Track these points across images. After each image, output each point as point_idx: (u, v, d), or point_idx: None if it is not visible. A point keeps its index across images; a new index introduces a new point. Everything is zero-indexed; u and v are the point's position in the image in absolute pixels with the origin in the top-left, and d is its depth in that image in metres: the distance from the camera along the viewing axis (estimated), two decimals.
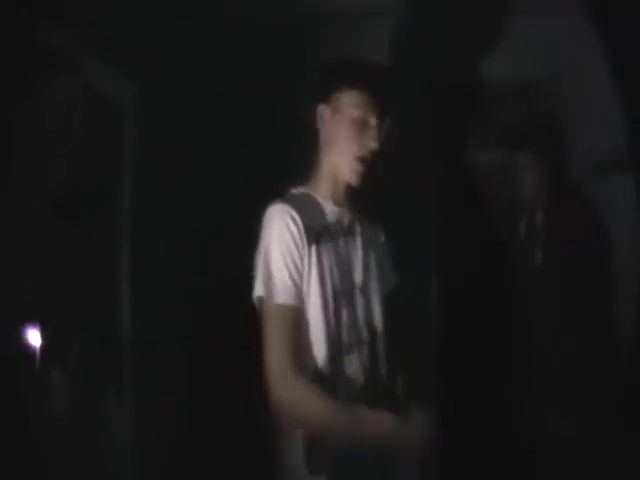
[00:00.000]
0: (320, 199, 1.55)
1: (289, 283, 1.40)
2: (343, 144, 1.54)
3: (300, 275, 1.42)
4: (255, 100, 2.16)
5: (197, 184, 1.93)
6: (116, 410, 1.58)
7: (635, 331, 1.82)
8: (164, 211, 1.81)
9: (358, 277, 1.53)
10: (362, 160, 1.53)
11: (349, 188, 1.57)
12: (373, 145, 1.52)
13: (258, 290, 1.44)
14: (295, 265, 1.42)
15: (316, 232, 1.47)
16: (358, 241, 1.57)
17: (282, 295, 1.40)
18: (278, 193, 1.55)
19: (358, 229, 1.58)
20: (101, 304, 1.61)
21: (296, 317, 1.41)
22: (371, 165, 1.54)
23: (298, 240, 1.43)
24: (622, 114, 1.85)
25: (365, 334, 1.51)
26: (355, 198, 1.61)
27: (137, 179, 1.76)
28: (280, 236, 1.43)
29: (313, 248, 1.45)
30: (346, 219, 1.57)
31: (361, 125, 1.52)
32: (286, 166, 1.75)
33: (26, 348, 1.32)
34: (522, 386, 1.96)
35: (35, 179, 1.41)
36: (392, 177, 2.06)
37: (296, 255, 1.42)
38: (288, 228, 1.43)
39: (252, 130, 2.14)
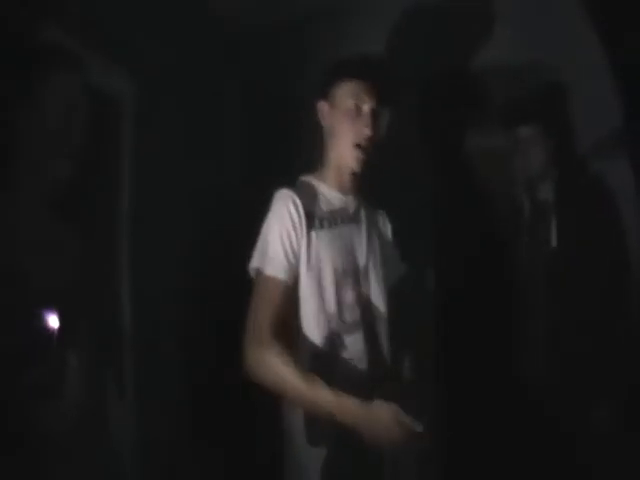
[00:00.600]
0: (327, 187, 1.65)
1: (282, 258, 1.50)
2: (342, 133, 1.63)
3: (295, 255, 1.52)
4: (259, 97, 2.18)
5: (198, 182, 1.95)
6: (117, 409, 1.58)
7: None
8: (164, 209, 1.83)
9: (362, 261, 1.61)
10: (360, 147, 1.61)
11: (354, 176, 1.66)
12: (367, 132, 1.60)
13: (254, 262, 1.54)
14: (291, 244, 1.52)
15: (319, 217, 1.58)
16: (363, 227, 1.66)
17: (273, 268, 1.50)
18: (287, 182, 1.62)
19: (363, 216, 1.68)
20: (102, 303, 1.62)
21: (284, 291, 1.50)
22: (371, 151, 1.62)
23: (297, 223, 1.53)
24: (620, 98, 1.91)
25: (368, 315, 1.58)
26: (361, 186, 1.69)
27: (137, 177, 1.77)
28: (280, 216, 1.54)
29: (314, 232, 1.55)
30: (351, 206, 1.67)
31: (355, 114, 1.61)
32: (293, 160, 1.80)
33: (26, 345, 1.31)
34: (524, 374, 1.97)
35: (36, 179, 1.40)
36: (397, 165, 2.10)
37: (293, 236, 1.52)
38: (289, 210, 1.54)
39: (258, 126, 2.15)
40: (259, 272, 1.52)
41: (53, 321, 1.30)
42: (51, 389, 1.35)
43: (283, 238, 1.51)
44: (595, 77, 2.05)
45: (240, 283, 1.55)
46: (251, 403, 1.53)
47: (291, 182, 1.65)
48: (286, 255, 1.50)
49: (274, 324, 1.45)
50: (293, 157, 1.77)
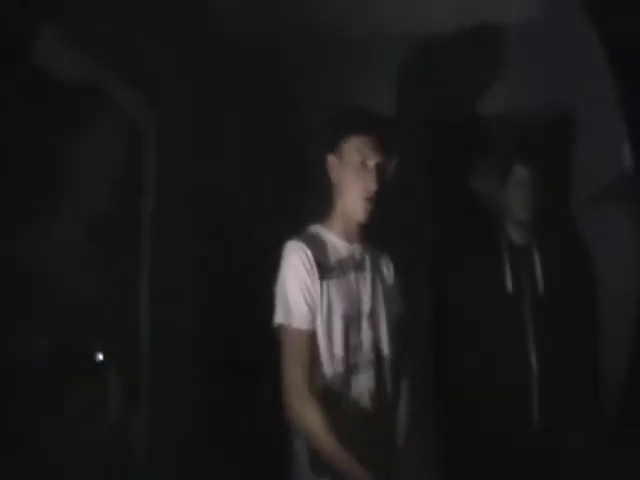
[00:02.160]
0: (334, 237, 1.75)
1: (305, 309, 1.62)
2: (349, 187, 1.73)
3: (314, 304, 1.63)
4: (273, 119, 2.27)
5: (221, 215, 2.05)
6: (132, 416, 1.69)
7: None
8: (183, 229, 1.93)
9: (366, 307, 1.72)
10: (367, 200, 1.70)
11: (360, 226, 1.76)
12: (372, 187, 1.69)
13: (278, 317, 1.65)
14: (310, 294, 1.63)
15: (328, 267, 1.68)
16: (367, 275, 1.76)
17: (298, 320, 1.62)
18: (297, 230, 1.74)
19: (368, 264, 1.77)
20: (124, 316, 1.73)
21: (310, 339, 1.62)
22: (377, 203, 1.70)
23: (310, 274, 1.64)
24: (621, 148, 1.88)
25: (371, 357, 1.69)
26: (366, 235, 1.78)
27: (158, 204, 1.87)
28: (295, 269, 1.64)
29: (324, 282, 1.65)
30: (357, 254, 1.76)
31: (361, 169, 1.70)
32: (306, 206, 1.90)
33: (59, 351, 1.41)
34: (525, 410, 2.03)
35: (78, 210, 1.52)
36: (398, 208, 2.19)
37: (310, 285, 1.63)
38: (302, 263, 1.64)
39: (276, 171, 2.26)
40: (285, 327, 1.62)
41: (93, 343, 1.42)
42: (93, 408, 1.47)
43: (302, 289, 1.62)
44: (597, 126, 2.11)
45: (257, 301, 1.70)
46: (263, 410, 1.65)
47: (309, 222, 1.76)
48: (308, 305, 1.61)
49: (307, 373, 1.59)
50: (313, 199, 1.84)
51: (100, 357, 1.43)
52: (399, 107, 2.41)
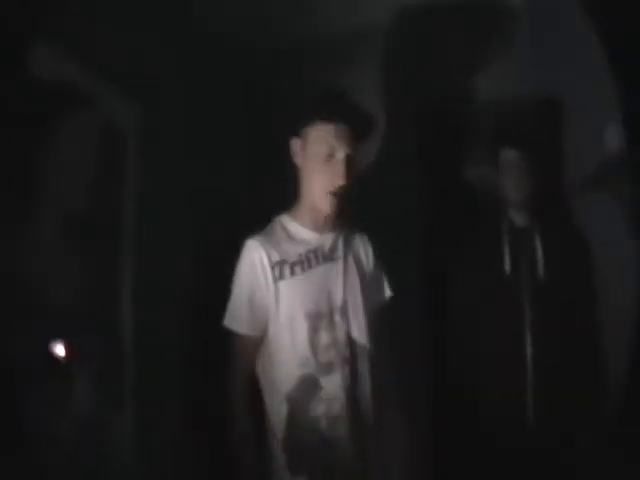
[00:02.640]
0: (302, 227, 1.67)
1: (245, 314, 1.60)
2: (315, 178, 1.62)
3: (261, 309, 1.60)
4: (265, 117, 2.22)
5: (199, 206, 2.03)
6: (117, 417, 1.69)
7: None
8: (166, 230, 1.91)
9: (337, 300, 1.63)
10: (333, 194, 1.60)
11: (328, 216, 1.66)
12: (340, 182, 1.58)
13: (225, 320, 1.65)
14: (258, 299, 1.60)
15: (291, 264, 1.61)
16: (339, 265, 1.66)
17: (238, 325, 1.61)
18: (265, 220, 1.69)
19: (340, 252, 1.68)
20: (106, 315, 1.72)
21: (249, 345, 1.62)
22: (345, 195, 1.62)
23: (262, 278, 1.60)
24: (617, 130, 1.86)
25: (347, 353, 1.61)
26: (339, 222, 1.69)
27: (142, 202, 1.85)
28: (245, 272, 1.62)
29: (285, 281, 1.60)
30: (327, 244, 1.67)
31: (327, 160, 1.58)
32: (278, 190, 1.81)
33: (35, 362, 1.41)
34: (514, 410, 1.97)
35: (53, 211, 1.50)
36: (379, 194, 2.15)
37: (257, 291, 1.60)
38: (254, 265, 1.60)
39: (251, 156, 2.22)
40: (228, 329, 1.64)
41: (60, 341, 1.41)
42: (60, 404, 1.45)
43: (249, 294, 1.60)
44: (590, 107, 2.07)
45: None
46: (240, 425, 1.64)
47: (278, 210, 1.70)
48: (251, 311, 1.59)
49: (243, 379, 1.61)
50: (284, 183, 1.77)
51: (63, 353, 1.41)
52: (384, 94, 2.35)
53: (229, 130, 2.27)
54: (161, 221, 1.88)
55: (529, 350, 1.99)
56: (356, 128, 1.61)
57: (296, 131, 1.64)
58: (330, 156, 1.58)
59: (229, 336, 1.64)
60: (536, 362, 1.98)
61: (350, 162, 1.60)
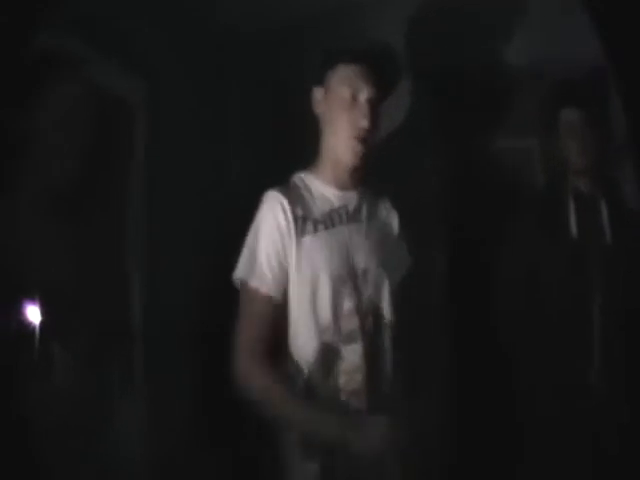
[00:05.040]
0: (323, 184, 1.54)
1: (267, 270, 1.43)
2: (337, 125, 1.51)
3: (282, 266, 1.44)
4: (266, 94, 2.15)
5: (208, 179, 1.95)
6: (125, 402, 1.61)
7: None
8: (177, 205, 1.85)
9: (362, 264, 1.49)
10: (357, 139, 1.48)
11: (353, 171, 1.54)
12: (363, 124, 1.47)
13: (238, 271, 1.47)
14: (277, 255, 1.44)
15: (313, 220, 1.47)
16: (363, 226, 1.53)
17: (260, 280, 1.43)
18: (284, 179, 1.55)
19: (364, 214, 1.55)
20: (112, 295, 1.65)
21: (271, 305, 1.43)
22: (370, 143, 1.50)
23: (284, 231, 1.44)
24: None
25: (369, 323, 1.46)
26: (361, 180, 1.57)
27: (149, 173, 1.80)
28: (267, 224, 1.46)
29: (306, 238, 1.45)
30: (351, 203, 1.54)
31: (351, 103, 1.49)
32: (296, 153, 1.69)
33: (31, 337, 1.35)
34: (581, 379, 1.79)
35: (39, 178, 1.45)
36: (405, 158, 2.00)
37: (280, 246, 1.44)
38: (275, 217, 1.45)
39: (262, 122, 2.13)
40: (244, 283, 1.45)
41: (34, 312, 1.34)
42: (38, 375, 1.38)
43: (269, 248, 1.43)
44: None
45: None
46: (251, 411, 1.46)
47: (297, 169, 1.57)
48: (271, 267, 1.43)
49: (264, 340, 1.41)
50: (302, 144, 1.65)
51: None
52: (415, 56, 2.15)
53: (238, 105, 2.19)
54: (170, 196, 1.82)
55: (598, 317, 1.82)
56: (381, 70, 1.52)
57: (318, 79, 1.55)
58: (353, 98, 1.49)
59: (240, 292, 1.46)
60: (605, 328, 1.81)
61: (374, 105, 1.50)
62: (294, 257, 1.43)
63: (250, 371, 1.39)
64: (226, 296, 1.54)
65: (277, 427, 1.46)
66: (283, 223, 1.44)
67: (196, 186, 1.96)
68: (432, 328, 1.76)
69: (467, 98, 2.14)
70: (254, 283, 1.43)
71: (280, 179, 1.58)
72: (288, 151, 1.93)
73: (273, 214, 1.45)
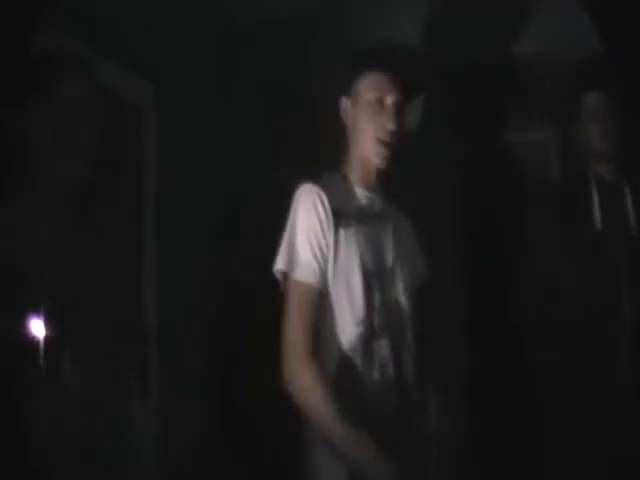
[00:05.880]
0: (352, 184, 1.59)
1: (311, 261, 1.44)
2: (364, 128, 1.56)
3: (324, 256, 1.45)
4: (277, 96, 2.14)
5: (222, 179, 1.94)
6: (140, 402, 1.60)
7: None
8: (189, 205, 1.84)
9: (389, 262, 1.54)
10: (383, 142, 1.54)
11: (379, 173, 1.58)
12: (390, 126, 1.53)
13: (279, 264, 1.47)
14: (319, 245, 1.45)
15: (347, 215, 1.50)
16: (389, 227, 1.58)
17: (304, 273, 1.43)
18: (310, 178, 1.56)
19: (388, 216, 1.61)
20: (126, 296, 1.64)
21: (315, 296, 1.44)
22: (395, 146, 1.55)
23: (324, 221, 1.46)
24: None
25: (395, 318, 1.50)
26: (387, 183, 1.61)
27: (160, 173, 1.79)
28: (307, 215, 1.47)
29: (342, 231, 1.48)
30: (377, 204, 1.60)
31: (377, 108, 1.55)
32: (317, 158, 1.74)
33: (44, 340, 1.34)
34: (610, 371, 1.73)
35: (50, 179, 1.44)
36: (424, 162, 1.99)
37: (321, 236, 1.45)
38: (316, 208, 1.47)
39: (279, 124, 2.12)
40: (287, 276, 1.47)
41: (44, 315, 1.33)
42: (71, 384, 1.37)
43: (311, 238, 1.44)
44: None
45: (267, 280, 1.52)
46: (277, 396, 1.45)
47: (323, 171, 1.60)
48: (315, 256, 1.44)
49: (312, 335, 1.41)
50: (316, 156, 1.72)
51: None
52: (429, 47, 2.17)
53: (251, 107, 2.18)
54: (183, 196, 1.80)
55: (627, 307, 1.76)
56: (406, 76, 1.59)
57: (345, 89, 1.62)
58: (380, 103, 1.56)
59: (285, 285, 1.47)
60: (634, 319, 1.75)
61: (400, 109, 1.57)
62: (332, 248, 1.46)
63: (302, 370, 1.38)
64: (239, 297, 1.52)
65: (308, 427, 1.45)
66: (323, 214, 1.46)
67: (208, 184, 1.96)
68: (452, 327, 1.75)
69: (480, 92, 2.12)
70: (299, 276, 1.44)
71: (295, 178, 1.58)
72: (300, 150, 1.91)
73: (313, 204, 1.47)
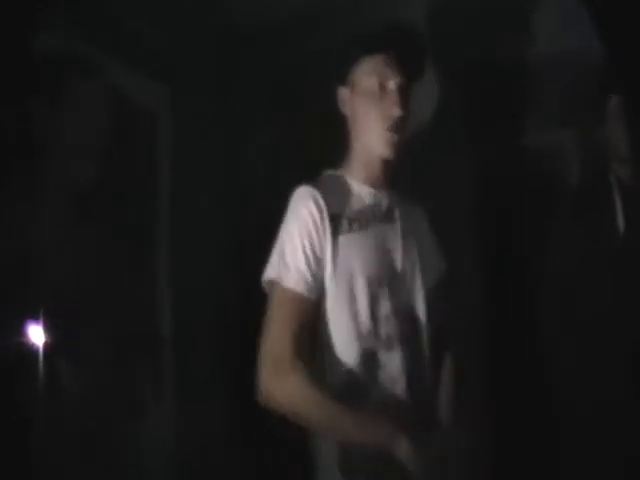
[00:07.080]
0: (355, 182, 1.45)
1: (303, 269, 1.32)
2: (367, 117, 1.42)
3: (319, 264, 1.33)
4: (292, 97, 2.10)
5: (236, 184, 1.92)
6: (155, 409, 1.57)
7: None
8: (203, 210, 1.82)
9: (399, 265, 1.40)
10: (390, 130, 1.39)
11: (386, 165, 1.45)
12: (396, 112, 1.38)
13: (269, 272, 1.36)
14: (314, 252, 1.33)
15: (348, 218, 1.38)
16: (397, 227, 1.44)
17: (293, 280, 1.31)
18: (310, 178, 1.46)
19: (397, 214, 1.46)
20: (140, 302, 1.62)
21: (306, 307, 1.31)
22: (403, 133, 1.41)
23: (320, 227, 1.34)
24: None
25: (408, 327, 1.37)
26: (394, 178, 1.48)
27: (173, 176, 1.77)
28: (300, 219, 1.35)
29: (342, 236, 1.35)
30: (384, 203, 1.45)
31: (380, 94, 1.40)
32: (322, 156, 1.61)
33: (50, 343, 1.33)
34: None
35: (60, 179, 1.43)
36: (435, 156, 1.91)
37: (316, 242, 1.34)
38: (310, 212, 1.35)
39: (286, 124, 2.08)
40: (275, 283, 1.33)
41: (56, 317, 1.31)
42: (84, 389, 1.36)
43: (305, 245, 1.32)
44: None
45: None
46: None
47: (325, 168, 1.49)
48: (308, 266, 1.31)
49: (296, 345, 1.27)
50: (329, 147, 1.62)
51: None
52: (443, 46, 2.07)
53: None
54: (197, 200, 1.78)
55: None
56: (406, 55, 1.43)
57: (342, 78, 1.47)
58: (382, 88, 1.40)
59: (271, 293, 1.35)
60: None
61: (404, 92, 1.41)
62: (329, 256, 1.33)
63: (284, 379, 1.26)
64: (255, 300, 1.48)
65: (314, 443, 1.37)
66: (318, 219, 1.34)
67: (222, 188, 1.94)
68: (469, 333, 1.67)
69: (497, 92, 2.04)
70: (289, 283, 1.31)
71: (306, 178, 1.48)
72: (313, 150, 1.87)
73: (308, 209, 1.35)
